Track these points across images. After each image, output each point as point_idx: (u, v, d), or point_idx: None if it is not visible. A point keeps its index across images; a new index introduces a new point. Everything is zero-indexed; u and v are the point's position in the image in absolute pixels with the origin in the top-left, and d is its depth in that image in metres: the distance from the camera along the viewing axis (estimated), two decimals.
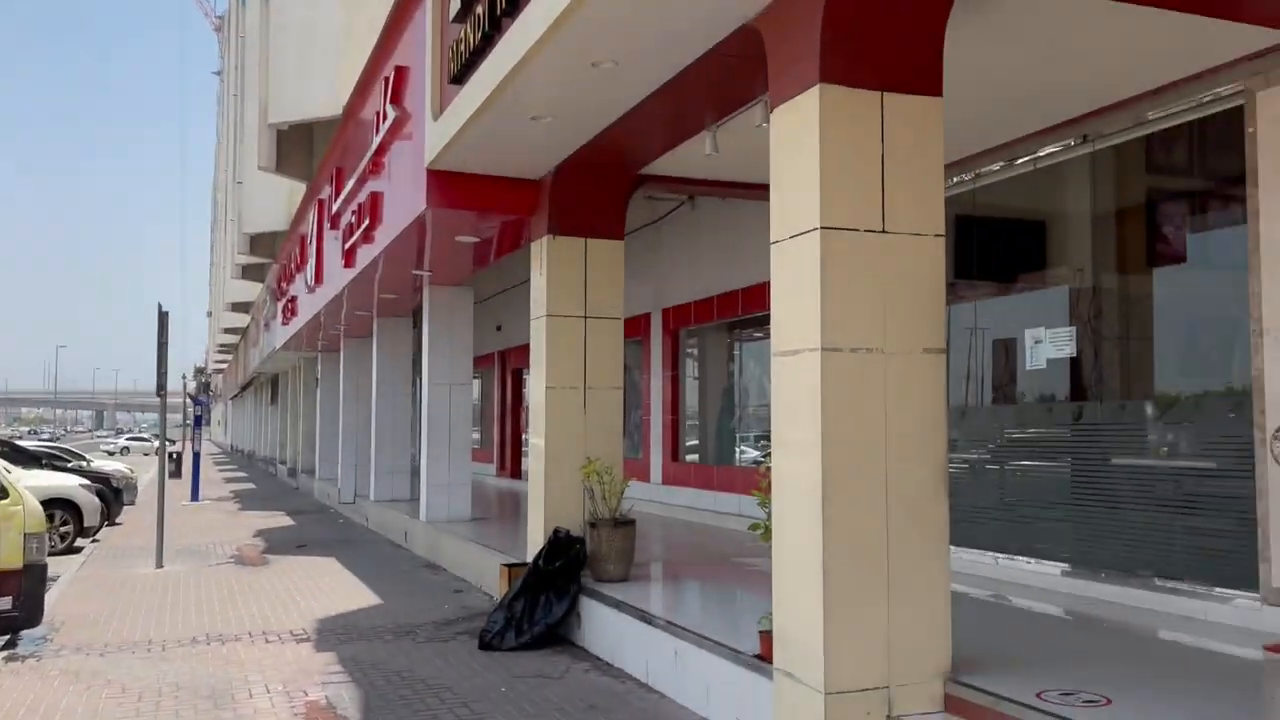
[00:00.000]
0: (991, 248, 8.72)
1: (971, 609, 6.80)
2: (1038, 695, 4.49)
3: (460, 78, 7.62)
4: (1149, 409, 7.22)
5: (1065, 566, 7.48)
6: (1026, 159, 8.00)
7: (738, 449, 13.62)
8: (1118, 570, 7.04)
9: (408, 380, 17.52)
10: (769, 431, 5.13)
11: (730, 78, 6.32)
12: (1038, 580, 7.61)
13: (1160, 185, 7.92)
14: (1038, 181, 8.21)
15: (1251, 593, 6.04)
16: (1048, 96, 6.84)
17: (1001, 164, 8.21)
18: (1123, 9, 5.12)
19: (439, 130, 8.46)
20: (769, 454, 5.11)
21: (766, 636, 5.19)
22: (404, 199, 10.15)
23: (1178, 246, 7.83)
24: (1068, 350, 7.77)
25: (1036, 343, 8.00)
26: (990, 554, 8.12)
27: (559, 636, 7.82)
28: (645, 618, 6.78)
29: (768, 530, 5.19)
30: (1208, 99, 6.47)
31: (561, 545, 8.03)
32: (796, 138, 4.86)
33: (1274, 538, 5.86)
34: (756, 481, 5.40)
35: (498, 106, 7.08)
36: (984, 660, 5.05)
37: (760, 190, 5.60)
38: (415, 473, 15.72)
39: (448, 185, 8.99)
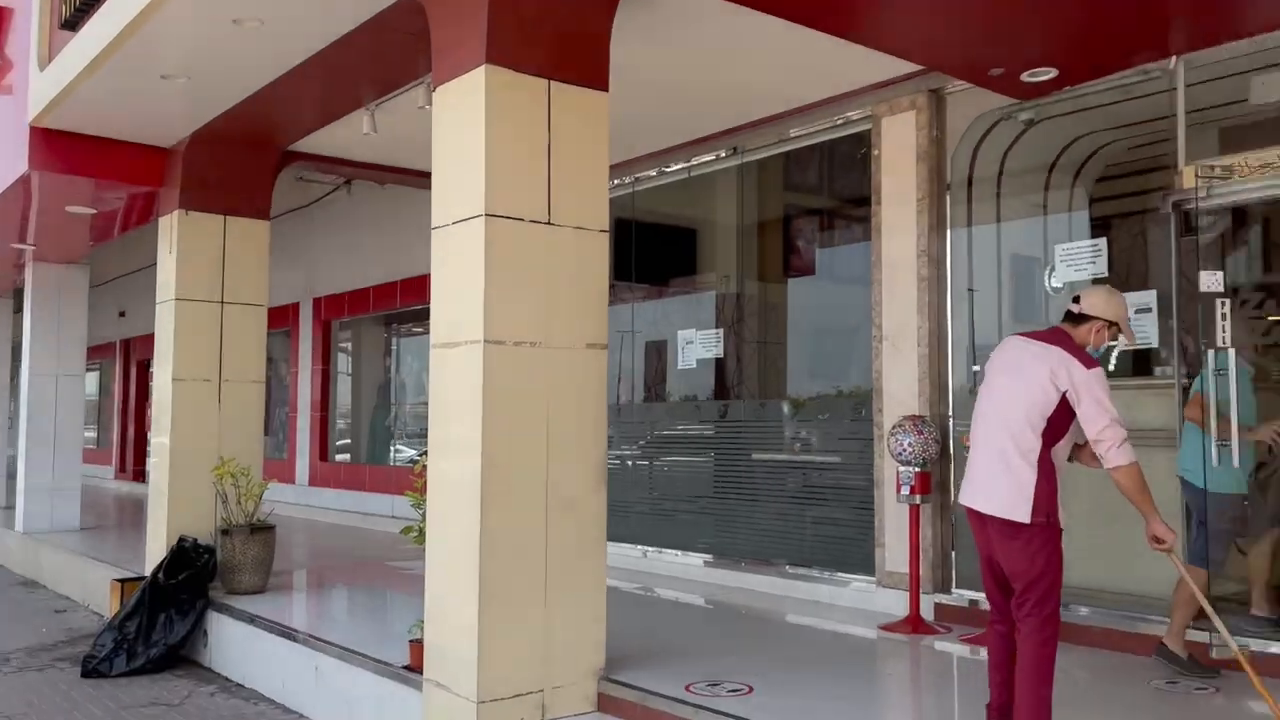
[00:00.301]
0: (648, 251, 8.97)
1: (623, 603, 6.88)
2: (686, 688, 4.57)
3: (73, 23, 6.61)
4: (785, 408, 7.73)
5: (708, 557, 7.82)
6: (682, 167, 8.30)
7: (393, 448, 13.11)
8: (756, 559, 7.46)
9: (5, 369, 15.23)
10: (427, 430, 4.85)
11: (392, 52, 5.95)
12: (684, 571, 7.91)
13: (798, 200, 8.51)
14: (692, 190, 8.55)
15: (869, 576, 6.60)
16: (705, 107, 7.10)
17: (660, 170, 8.46)
18: (771, 25, 5.35)
19: (47, 82, 7.31)
20: (426, 452, 4.83)
21: (417, 646, 4.90)
22: (2, 159, 8.71)
23: (809, 258, 8.45)
24: (715, 351, 8.15)
25: (688, 344, 8.32)
26: (640, 547, 8.33)
27: (182, 658, 7.01)
28: (282, 632, 6.22)
29: (421, 533, 4.90)
30: (840, 121, 7.01)
31: (187, 556, 7.21)
32: (461, 119, 4.62)
33: (887, 526, 6.44)
34: (411, 482, 5.09)
35: (119, 59, 6.20)
36: (637, 655, 5.09)
37: (422, 177, 5.31)
38: (12, 476, 13.66)
39: (57, 146, 7.79)
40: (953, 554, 6.31)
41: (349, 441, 14.07)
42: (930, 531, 6.24)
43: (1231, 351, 4.95)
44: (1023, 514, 3.55)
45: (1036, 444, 3.59)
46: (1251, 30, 5.03)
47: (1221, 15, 4.97)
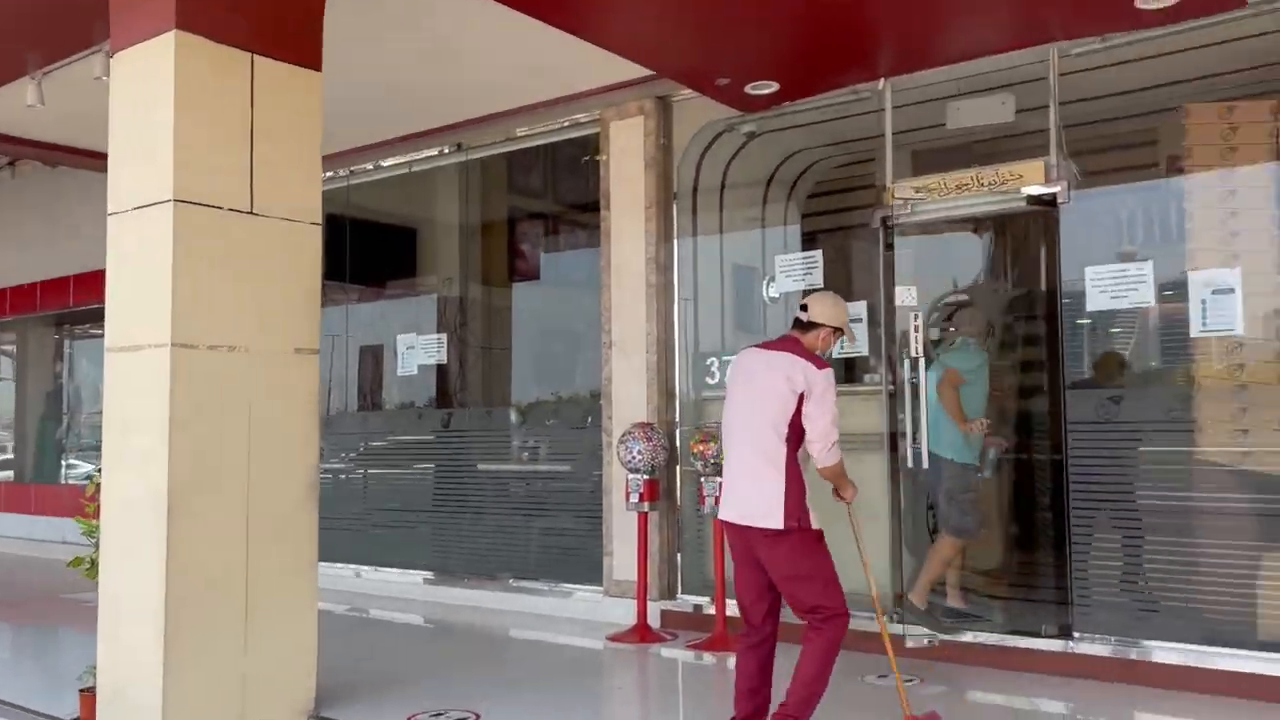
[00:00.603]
0: (365, 251, 8.46)
1: (337, 629, 6.39)
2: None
3: None
4: (511, 415, 7.50)
5: (429, 574, 7.44)
6: (402, 161, 7.87)
7: (64, 464, 11.63)
8: (479, 574, 7.17)
9: None
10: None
11: (62, 11, 5.16)
12: (403, 591, 7.47)
13: (524, 203, 8.35)
14: (413, 187, 8.15)
15: (596, 586, 6.50)
16: (426, 99, 6.72)
17: (377, 164, 7.99)
18: (498, 14, 5.10)
19: None
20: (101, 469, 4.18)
21: (89, 695, 4.22)
22: None
23: (536, 262, 8.31)
24: (437, 357, 7.78)
25: (409, 349, 7.89)
26: (354, 567, 7.80)
27: None
28: None
29: (94, 565, 4.23)
30: (568, 124, 6.89)
31: None
32: (145, 91, 4.04)
33: (616, 534, 6.37)
34: (81, 505, 4.40)
35: None
36: (352, 686, 4.68)
37: (99, 159, 4.63)
38: None
39: None
40: (679, 560, 6.33)
41: (11, 457, 12.36)
42: (658, 538, 6.23)
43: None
44: (776, 521, 3.58)
45: (783, 450, 3.64)
46: (950, 58, 5.37)
47: (923, 42, 5.26)
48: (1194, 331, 4.74)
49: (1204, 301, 4.69)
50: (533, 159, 8.06)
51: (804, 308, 3.91)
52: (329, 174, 8.03)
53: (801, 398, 3.63)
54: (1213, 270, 4.71)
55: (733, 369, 3.94)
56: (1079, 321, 5.09)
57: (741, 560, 3.78)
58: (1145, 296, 4.85)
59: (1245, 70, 5.17)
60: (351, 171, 8.12)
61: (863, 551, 4.04)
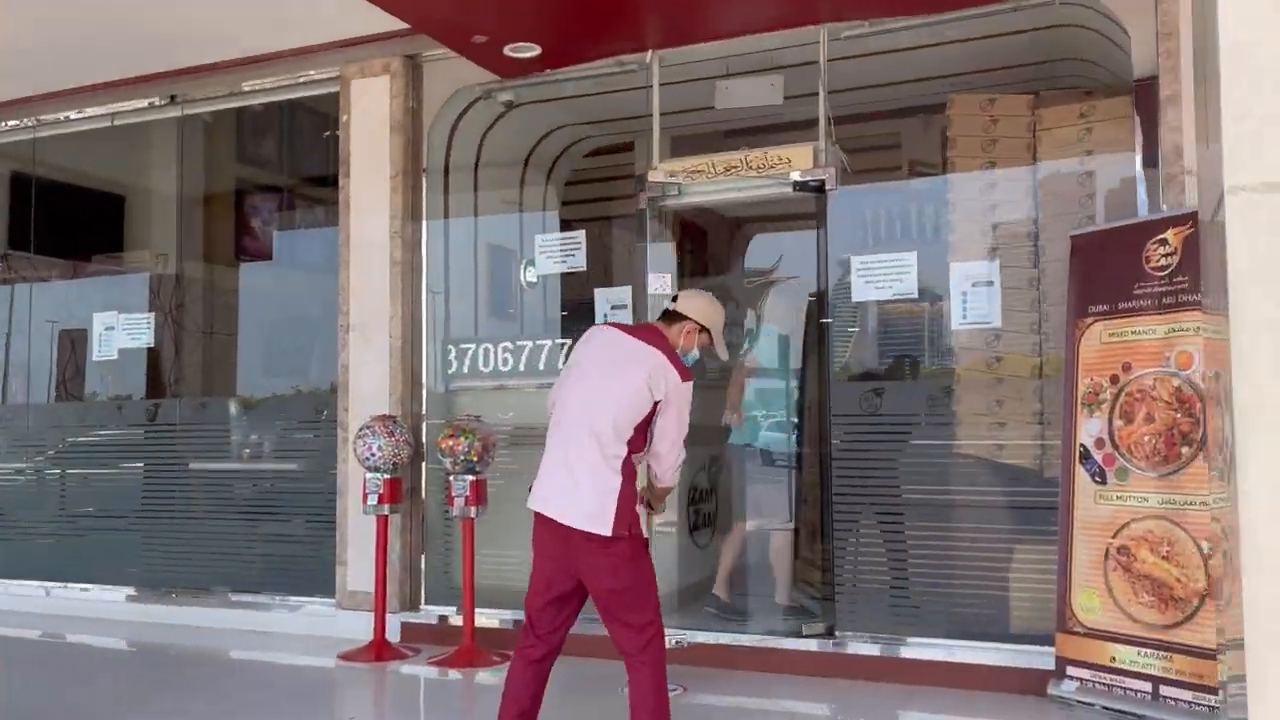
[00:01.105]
0: (56, 217, 7.30)
1: (22, 659, 5.42)
2: None
3: None
4: (234, 407, 6.65)
5: (133, 590, 6.44)
6: (104, 113, 6.79)
7: None
8: (194, 589, 6.28)
9: None
10: None
11: None
12: (103, 610, 6.41)
13: (256, 174, 7.55)
14: (121, 146, 7.12)
15: (328, 599, 5.81)
16: (135, 38, 5.73)
17: (72, 114, 6.85)
18: None
19: None
20: None
21: None
22: None
23: (268, 240, 7.54)
24: (144, 340, 6.77)
25: (108, 329, 6.81)
26: (44, 584, 6.68)
27: None
28: None
29: None
30: (304, 80, 6.15)
31: None
32: None
33: (351, 540, 5.71)
34: None
35: None
36: None
37: None
38: None
39: None
40: (423, 568, 5.75)
41: None
42: (399, 544, 5.62)
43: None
44: (605, 526, 3.16)
45: (623, 451, 3.24)
46: (719, 33, 5.13)
47: (692, 14, 4.99)
48: (954, 324, 4.72)
49: (964, 294, 4.68)
50: (267, 124, 7.30)
51: (675, 298, 3.60)
52: (8, 124, 6.86)
53: (656, 406, 3.27)
54: (973, 262, 4.71)
55: (583, 346, 3.49)
56: (845, 312, 4.99)
57: (547, 558, 3.32)
58: (909, 287, 4.78)
59: (1001, 69, 5.27)
60: (39, 121, 6.94)
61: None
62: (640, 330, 3.53)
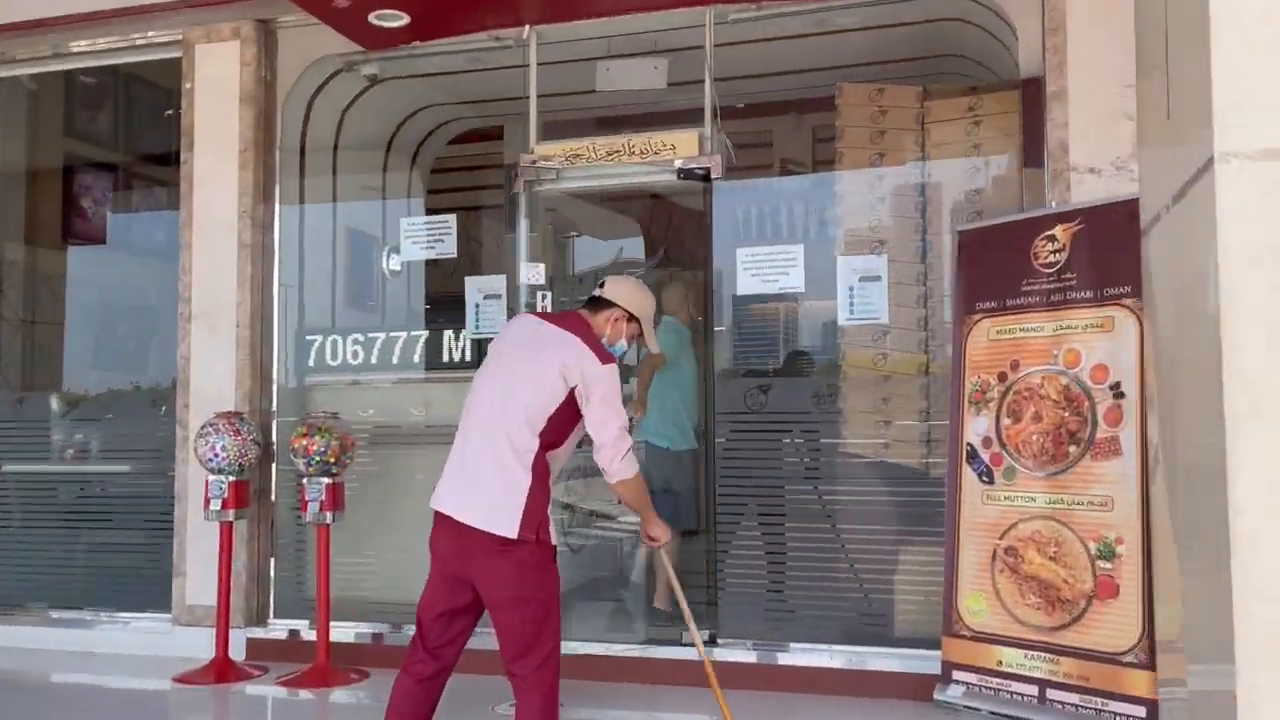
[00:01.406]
0: None
1: None
2: None
3: None
4: (56, 404, 6.00)
5: None
6: None
7: None
8: (6, 605, 5.62)
9: None
10: None
11: None
12: None
13: (88, 149, 6.94)
14: None
15: (164, 614, 5.27)
16: None
17: None
18: None
19: None
20: None
21: None
22: None
23: (100, 222, 6.94)
24: None
25: None
26: None
27: None
28: None
29: None
30: (141, 42, 5.57)
31: None
32: None
33: (191, 550, 5.19)
34: None
35: None
36: None
37: None
38: None
39: None
40: (272, 578, 5.28)
41: None
42: (246, 553, 5.13)
43: None
44: (509, 528, 2.85)
45: (534, 445, 2.94)
46: (600, 10, 4.87)
47: None
48: (841, 319, 4.59)
49: (851, 289, 4.55)
50: (102, 95, 6.68)
51: (601, 284, 3.27)
52: None
53: (572, 394, 2.96)
54: (860, 256, 4.59)
55: (504, 333, 3.27)
56: (731, 305, 4.80)
57: (445, 562, 3.00)
58: (795, 281, 4.63)
59: (890, 62, 5.19)
60: None
61: (683, 601, 3.52)
62: (561, 318, 3.24)
